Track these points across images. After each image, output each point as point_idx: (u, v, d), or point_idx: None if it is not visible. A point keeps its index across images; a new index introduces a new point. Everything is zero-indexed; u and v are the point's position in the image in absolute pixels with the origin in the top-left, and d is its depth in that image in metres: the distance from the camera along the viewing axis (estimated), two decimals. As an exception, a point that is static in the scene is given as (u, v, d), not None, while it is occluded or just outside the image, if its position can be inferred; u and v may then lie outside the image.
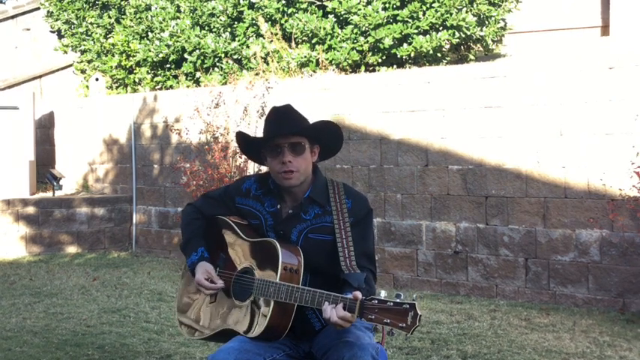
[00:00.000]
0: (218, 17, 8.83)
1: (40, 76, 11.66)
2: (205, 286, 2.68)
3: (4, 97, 9.59)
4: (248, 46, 8.50)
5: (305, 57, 7.98)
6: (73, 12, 10.54)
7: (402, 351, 4.52)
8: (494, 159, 6.25)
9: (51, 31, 11.46)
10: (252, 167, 7.21)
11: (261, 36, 8.38)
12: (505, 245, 6.22)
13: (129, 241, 9.13)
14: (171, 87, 9.52)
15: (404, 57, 7.69)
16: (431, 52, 7.57)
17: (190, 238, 2.84)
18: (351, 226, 2.62)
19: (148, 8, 9.67)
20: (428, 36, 7.54)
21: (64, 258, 8.33)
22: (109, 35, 10.26)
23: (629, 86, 5.60)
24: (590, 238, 5.79)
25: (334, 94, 7.21)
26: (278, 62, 8.19)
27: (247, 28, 8.56)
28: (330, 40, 7.92)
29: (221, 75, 8.75)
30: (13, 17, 11.77)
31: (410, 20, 7.56)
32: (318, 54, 7.89)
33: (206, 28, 9.04)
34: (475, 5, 7.77)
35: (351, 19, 7.74)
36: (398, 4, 7.62)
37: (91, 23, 10.44)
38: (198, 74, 9.00)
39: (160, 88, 9.65)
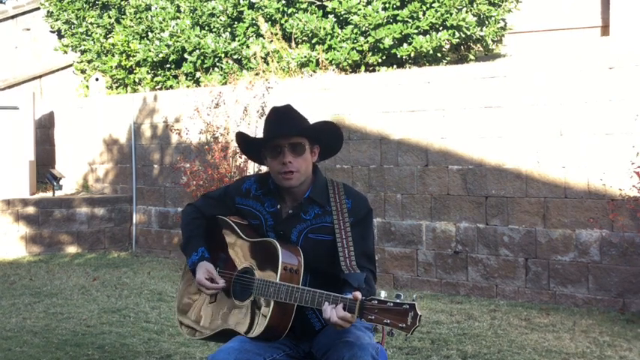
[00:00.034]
0: (218, 17, 8.82)
1: (40, 76, 11.66)
2: (206, 285, 2.68)
3: (4, 97, 9.59)
4: (248, 46, 8.50)
5: (305, 57, 7.98)
6: (73, 12, 10.54)
7: (402, 351, 4.52)
8: (495, 159, 6.25)
9: (51, 31, 11.46)
10: (252, 167, 7.21)
11: (261, 36, 8.38)
12: (505, 245, 6.22)
13: (129, 241, 9.13)
14: (171, 87, 9.52)
15: (404, 57, 7.69)
16: (431, 52, 7.57)
17: (190, 238, 2.84)
18: (351, 226, 2.62)
19: (148, 8, 9.67)
20: (428, 36, 7.54)
21: (64, 258, 8.32)
22: (109, 35, 10.26)
23: (629, 86, 5.60)
24: (590, 238, 5.79)
25: (334, 94, 7.21)
26: (278, 62, 8.19)
27: (247, 28, 8.56)
28: (330, 40, 7.91)
29: (221, 75, 8.75)
30: (13, 17, 11.77)
31: (410, 20, 7.56)
32: (318, 54, 7.89)
33: (206, 28, 9.03)
34: (475, 5, 7.77)
35: (351, 19, 7.74)
36: (398, 4, 7.62)
37: (91, 23, 10.44)
38: (198, 74, 9.00)
39: (160, 88, 9.65)
